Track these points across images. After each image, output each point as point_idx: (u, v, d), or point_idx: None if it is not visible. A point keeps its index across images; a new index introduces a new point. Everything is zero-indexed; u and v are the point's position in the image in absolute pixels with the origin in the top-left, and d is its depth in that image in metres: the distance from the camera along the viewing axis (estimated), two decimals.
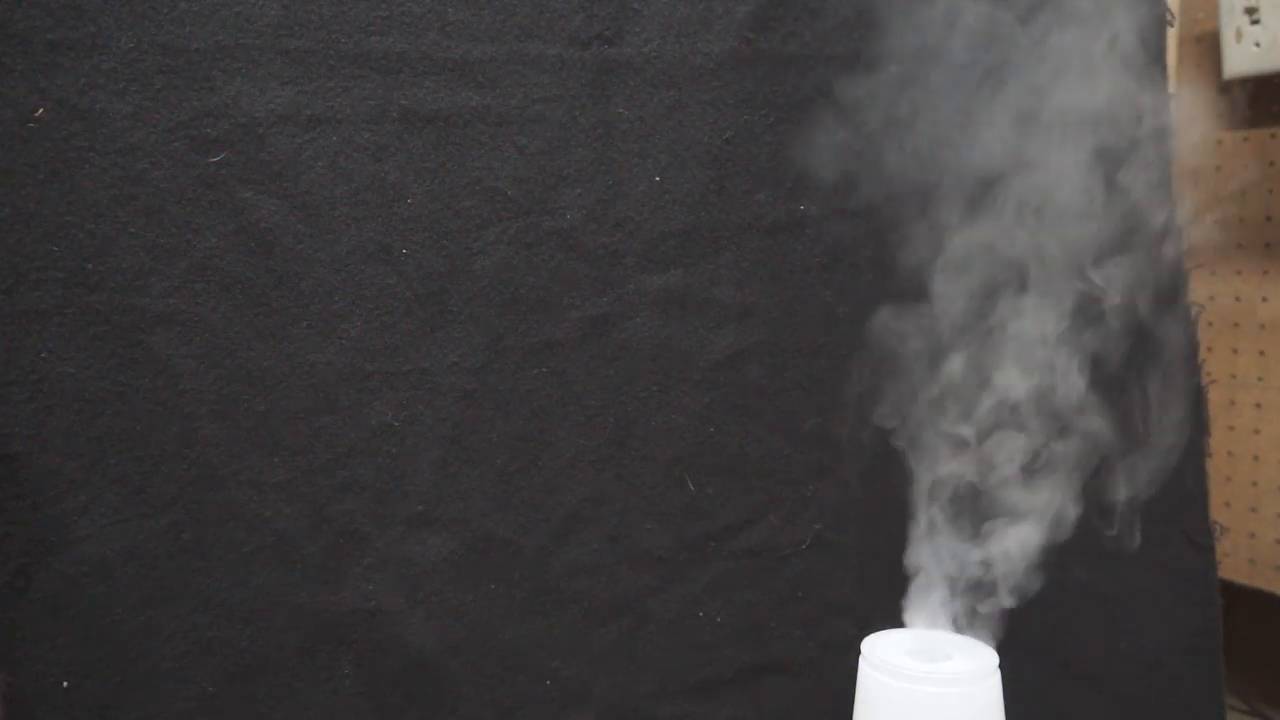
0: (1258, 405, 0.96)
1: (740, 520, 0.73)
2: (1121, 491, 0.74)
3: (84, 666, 0.61)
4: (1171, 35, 0.77)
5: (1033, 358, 0.68)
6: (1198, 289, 0.77)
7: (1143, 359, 0.74)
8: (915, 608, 0.63)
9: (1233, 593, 0.91)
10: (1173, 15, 0.77)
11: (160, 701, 0.62)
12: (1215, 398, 0.96)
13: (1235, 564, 0.97)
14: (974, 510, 0.67)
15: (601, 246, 0.69)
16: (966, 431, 0.68)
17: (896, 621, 0.64)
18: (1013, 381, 0.68)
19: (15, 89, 0.58)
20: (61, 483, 0.60)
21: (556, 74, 0.67)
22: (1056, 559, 0.67)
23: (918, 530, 0.66)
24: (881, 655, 0.55)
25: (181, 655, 0.63)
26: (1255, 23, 0.90)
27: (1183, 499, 0.76)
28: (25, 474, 0.59)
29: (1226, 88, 0.98)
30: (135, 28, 0.60)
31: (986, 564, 0.65)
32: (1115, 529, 0.75)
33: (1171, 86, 0.76)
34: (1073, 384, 0.69)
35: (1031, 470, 0.67)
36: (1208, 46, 0.98)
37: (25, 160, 0.59)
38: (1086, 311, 0.71)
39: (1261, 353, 0.95)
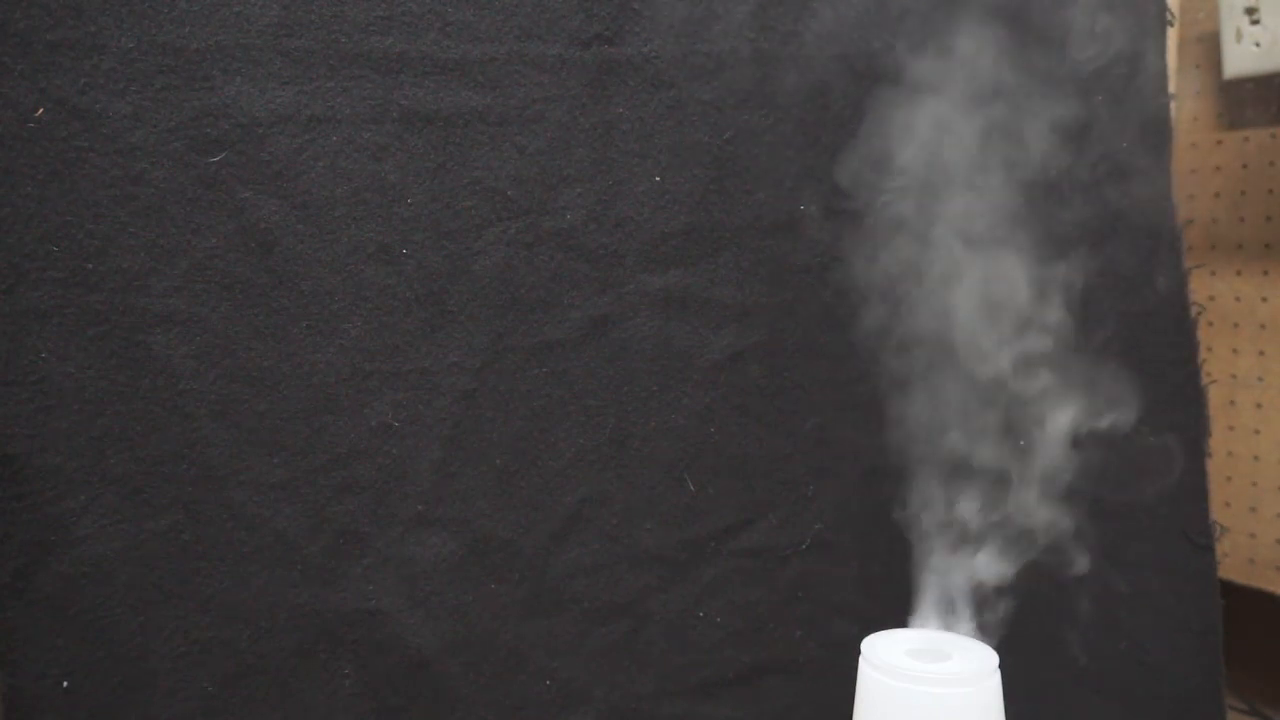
0: (1258, 405, 0.96)
1: (740, 520, 0.73)
2: (1122, 492, 0.74)
3: (84, 666, 0.61)
4: (1171, 35, 0.77)
5: (1031, 357, 0.68)
6: (1198, 289, 0.77)
7: (1143, 359, 0.74)
8: None
9: (1233, 593, 0.91)
10: (1173, 15, 0.77)
11: (160, 701, 0.62)
12: (1215, 398, 0.96)
13: (1235, 564, 0.97)
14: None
15: (601, 246, 0.69)
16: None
17: (897, 621, 0.64)
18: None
19: (15, 89, 0.58)
20: (61, 483, 0.60)
21: (556, 74, 0.67)
22: (1056, 559, 0.67)
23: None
24: (881, 655, 0.55)
25: (181, 655, 0.62)
26: (1255, 23, 0.90)
27: (1183, 499, 0.76)
28: (25, 474, 0.59)
29: (1226, 88, 0.98)
30: (135, 28, 0.60)
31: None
32: (1115, 529, 0.75)
33: (1171, 86, 0.76)
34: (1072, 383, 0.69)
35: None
36: (1208, 46, 0.98)
37: (25, 160, 0.59)
38: (1086, 310, 0.71)
39: (1261, 353, 0.95)
